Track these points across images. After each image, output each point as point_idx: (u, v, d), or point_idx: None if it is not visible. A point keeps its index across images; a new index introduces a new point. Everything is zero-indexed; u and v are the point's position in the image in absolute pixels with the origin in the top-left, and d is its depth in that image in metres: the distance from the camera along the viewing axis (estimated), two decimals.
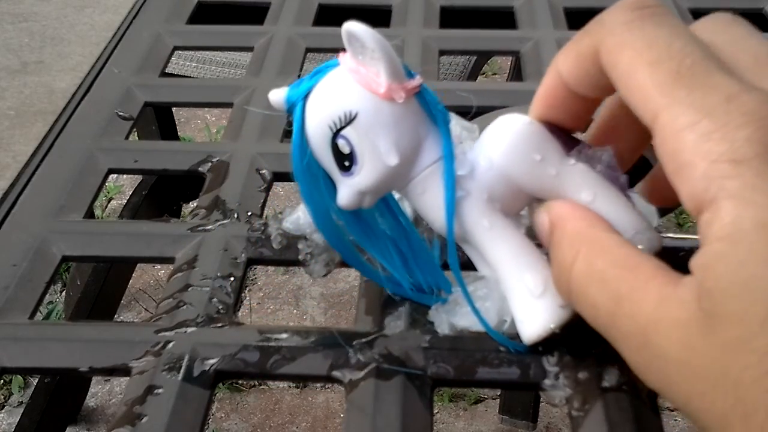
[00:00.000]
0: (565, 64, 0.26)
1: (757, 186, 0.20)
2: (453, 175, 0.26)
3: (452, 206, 0.27)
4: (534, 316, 0.28)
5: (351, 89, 0.25)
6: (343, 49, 0.26)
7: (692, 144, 0.21)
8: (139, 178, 0.83)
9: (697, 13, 0.52)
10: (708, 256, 0.20)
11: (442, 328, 0.31)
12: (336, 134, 0.25)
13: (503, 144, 0.27)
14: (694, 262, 0.21)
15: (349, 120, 0.25)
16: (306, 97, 0.26)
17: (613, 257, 0.23)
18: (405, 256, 0.30)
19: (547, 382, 0.29)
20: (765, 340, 0.19)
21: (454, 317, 0.30)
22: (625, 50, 0.23)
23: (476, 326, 0.30)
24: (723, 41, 0.23)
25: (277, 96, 0.27)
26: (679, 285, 0.21)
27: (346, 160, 0.26)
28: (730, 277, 0.19)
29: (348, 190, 0.27)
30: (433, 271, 0.31)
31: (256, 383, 1.16)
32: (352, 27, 0.24)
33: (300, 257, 0.34)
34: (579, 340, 0.30)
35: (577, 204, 0.26)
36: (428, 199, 0.27)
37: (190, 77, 0.98)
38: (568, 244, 0.25)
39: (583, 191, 0.27)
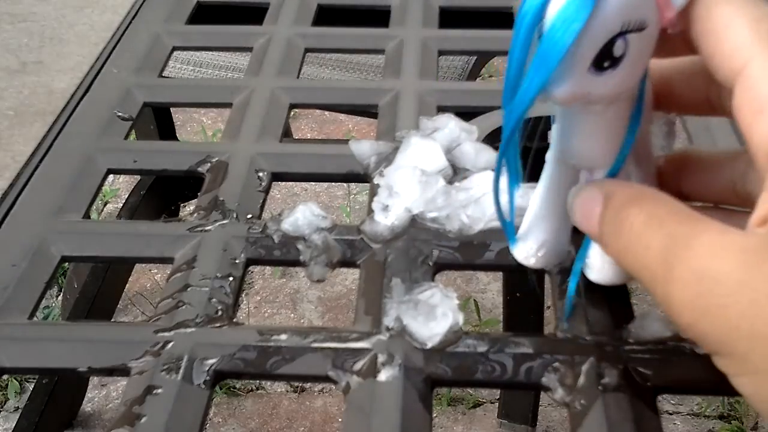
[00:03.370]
0: None
1: None
2: (640, 118, 0.27)
3: (629, 144, 0.27)
4: (530, 242, 0.30)
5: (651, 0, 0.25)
6: None
7: None
8: (134, 183, 0.83)
9: None
10: None
11: (389, 322, 0.31)
12: (621, 34, 0.24)
13: None
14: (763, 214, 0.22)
15: (639, 28, 0.24)
16: None
17: (672, 207, 0.24)
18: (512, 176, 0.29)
19: (547, 382, 0.29)
20: None
21: (404, 315, 0.31)
22: (727, 5, 0.24)
23: (420, 331, 0.30)
24: None
25: None
26: (739, 232, 0.22)
27: (607, 61, 0.24)
28: None
29: (583, 86, 0.25)
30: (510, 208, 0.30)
31: (254, 388, 1.16)
32: None
33: (300, 258, 0.34)
34: (578, 340, 0.30)
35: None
36: (607, 121, 0.27)
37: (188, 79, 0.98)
38: (628, 200, 0.25)
39: None
